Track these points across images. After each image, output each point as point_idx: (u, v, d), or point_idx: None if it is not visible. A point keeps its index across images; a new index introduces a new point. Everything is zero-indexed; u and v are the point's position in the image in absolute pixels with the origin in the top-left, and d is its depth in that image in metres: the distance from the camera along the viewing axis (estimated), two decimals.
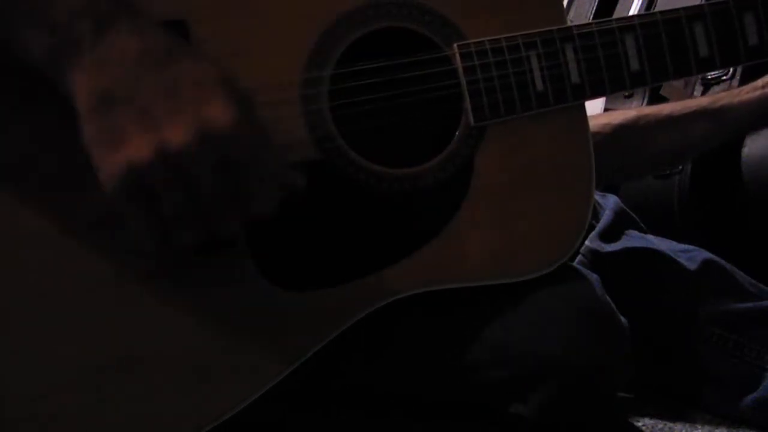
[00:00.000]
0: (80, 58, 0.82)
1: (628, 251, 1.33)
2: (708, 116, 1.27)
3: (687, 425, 1.20)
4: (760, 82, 1.28)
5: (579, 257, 1.31)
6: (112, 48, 0.82)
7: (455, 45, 1.03)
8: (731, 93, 1.26)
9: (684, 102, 1.29)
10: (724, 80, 1.45)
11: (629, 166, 1.40)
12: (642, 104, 1.63)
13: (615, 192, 1.67)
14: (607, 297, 1.08)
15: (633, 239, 1.36)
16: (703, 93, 1.64)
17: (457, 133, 1.04)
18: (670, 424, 1.20)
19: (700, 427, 1.20)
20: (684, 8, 1.07)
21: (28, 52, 0.85)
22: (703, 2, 1.09)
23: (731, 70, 1.58)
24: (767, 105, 1.23)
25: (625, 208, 1.42)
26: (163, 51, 0.83)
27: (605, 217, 1.38)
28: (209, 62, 0.85)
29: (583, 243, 1.32)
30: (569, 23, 1.08)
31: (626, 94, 1.36)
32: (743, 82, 1.49)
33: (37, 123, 0.92)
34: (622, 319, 1.08)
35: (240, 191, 0.84)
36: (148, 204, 0.82)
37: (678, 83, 1.55)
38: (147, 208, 0.83)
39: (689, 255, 1.32)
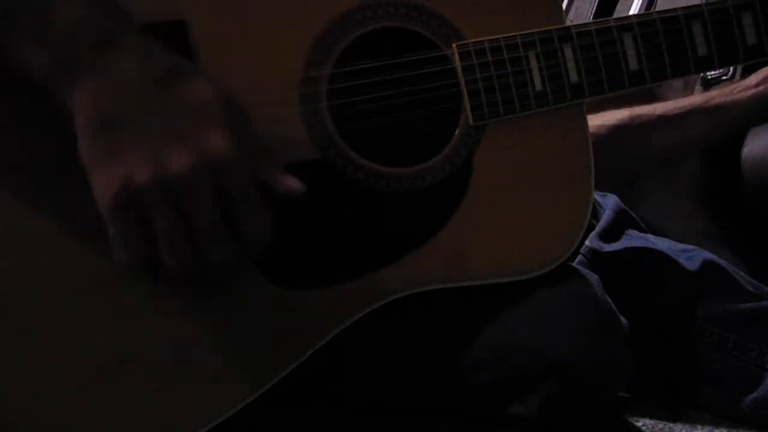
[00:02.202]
0: (80, 77, 0.82)
1: (628, 251, 1.33)
2: (702, 115, 1.27)
3: (687, 425, 1.20)
4: (752, 80, 1.28)
5: (579, 257, 1.31)
6: (112, 68, 0.82)
7: (454, 44, 1.03)
8: (724, 91, 1.26)
9: (677, 101, 1.29)
10: (724, 80, 1.44)
11: (626, 166, 1.40)
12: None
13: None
14: (607, 297, 1.09)
15: (633, 239, 1.36)
16: None
17: (456, 133, 1.04)
18: (670, 424, 1.19)
19: (700, 427, 1.20)
20: (682, 8, 1.07)
21: (27, 68, 0.85)
22: (702, 2, 1.09)
23: (731, 69, 1.58)
24: (761, 103, 1.23)
25: (625, 207, 1.41)
26: (164, 72, 0.83)
27: (605, 217, 1.38)
28: (209, 83, 0.85)
29: (583, 243, 1.32)
30: (569, 23, 1.08)
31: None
32: None
33: (40, 123, 0.92)
34: (622, 319, 1.08)
35: (233, 216, 0.84)
36: (139, 224, 0.83)
37: (678, 83, 1.55)
38: (134, 230, 0.83)
39: (689, 255, 1.32)
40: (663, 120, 1.29)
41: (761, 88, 1.23)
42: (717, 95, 1.26)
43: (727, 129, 1.28)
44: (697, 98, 1.28)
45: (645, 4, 1.89)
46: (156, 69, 0.83)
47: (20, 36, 0.84)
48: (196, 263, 0.85)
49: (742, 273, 1.30)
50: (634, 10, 1.89)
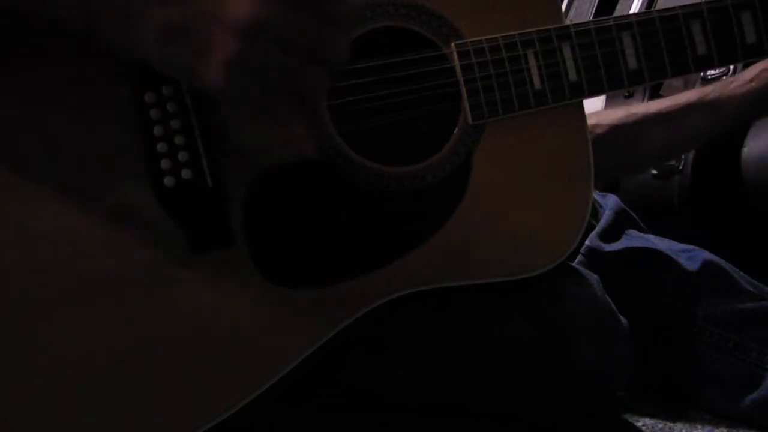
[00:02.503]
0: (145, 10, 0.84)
1: (628, 251, 1.33)
2: (699, 111, 1.27)
3: (687, 425, 1.20)
4: (748, 74, 1.28)
5: (579, 257, 1.31)
6: None
7: (453, 44, 1.03)
8: (721, 87, 1.26)
9: (673, 98, 1.29)
10: (725, 80, 1.44)
11: (625, 164, 1.40)
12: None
13: (615, 192, 1.67)
14: (607, 297, 1.09)
15: (633, 239, 1.36)
16: None
17: (455, 132, 1.04)
18: (670, 424, 1.19)
19: (700, 427, 1.20)
20: (681, 6, 1.07)
21: (70, 13, 0.87)
22: (701, 1, 1.09)
23: (731, 68, 1.58)
24: (756, 97, 1.23)
25: (625, 208, 1.42)
26: None
27: (605, 217, 1.38)
28: None
29: (583, 243, 1.32)
30: (569, 23, 1.08)
31: (626, 93, 1.36)
32: None
33: (45, 121, 0.92)
34: (622, 319, 1.08)
35: (325, 24, 0.85)
36: (263, 80, 0.85)
37: (677, 82, 1.55)
38: (262, 83, 0.85)
39: (689, 255, 1.32)
40: (660, 117, 1.29)
41: (756, 83, 1.22)
42: (713, 90, 1.26)
43: (724, 124, 1.28)
44: (694, 94, 1.28)
45: (645, 4, 1.90)
46: None
47: None
48: (311, 82, 0.87)
49: (742, 273, 1.30)
50: (634, 10, 1.90)
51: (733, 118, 1.27)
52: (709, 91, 1.26)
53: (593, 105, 1.16)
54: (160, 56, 0.86)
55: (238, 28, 0.82)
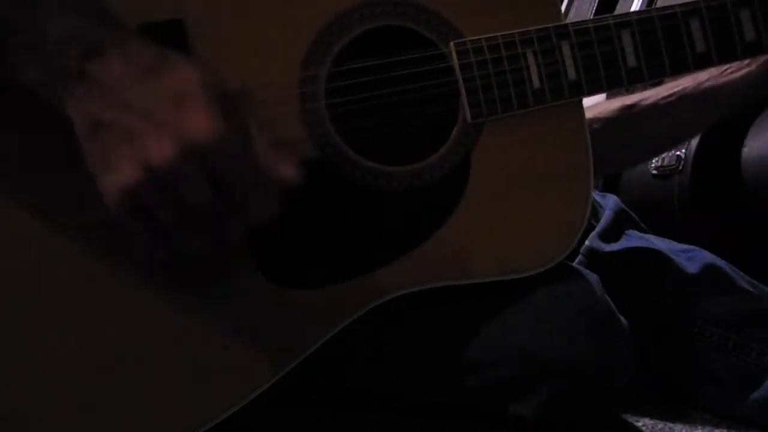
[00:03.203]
0: (71, 87, 0.83)
1: (628, 251, 1.33)
2: (693, 100, 1.26)
3: (687, 425, 1.20)
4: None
5: (579, 257, 1.31)
6: (96, 76, 0.83)
7: (452, 43, 1.03)
8: (715, 74, 1.25)
9: (667, 87, 1.28)
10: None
11: (624, 157, 1.40)
12: None
13: (615, 192, 1.67)
14: (607, 297, 1.08)
15: (633, 239, 1.36)
16: None
17: (454, 131, 1.04)
18: (670, 424, 1.19)
19: (700, 427, 1.20)
20: (680, 4, 1.07)
21: (22, 78, 0.86)
22: None
23: None
24: (751, 83, 1.22)
25: (625, 208, 1.42)
26: (145, 67, 0.83)
27: (605, 217, 1.38)
28: (196, 68, 0.85)
29: (583, 243, 1.32)
30: (568, 22, 1.08)
31: (626, 92, 1.36)
32: None
33: (39, 122, 0.92)
34: (622, 319, 1.08)
35: (233, 198, 0.84)
36: (148, 219, 0.84)
37: None
38: (147, 222, 0.84)
39: (689, 255, 1.32)
40: (655, 108, 1.29)
41: (752, 67, 1.22)
42: (708, 78, 1.25)
43: (721, 112, 1.28)
44: (688, 83, 1.27)
45: (645, 3, 1.90)
46: (138, 65, 0.83)
47: (15, 48, 0.85)
48: (207, 245, 0.87)
49: (742, 273, 1.29)
50: (634, 9, 1.90)
51: (729, 105, 1.26)
52: (704, 78, 1.25)
53: (592, 100, 1.16)
54: (81, 138, 0.84)
55: (146, 162, 0.80)
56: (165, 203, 0.82)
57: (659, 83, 1.29)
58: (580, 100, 1.08)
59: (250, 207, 0.85)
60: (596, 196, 1.42)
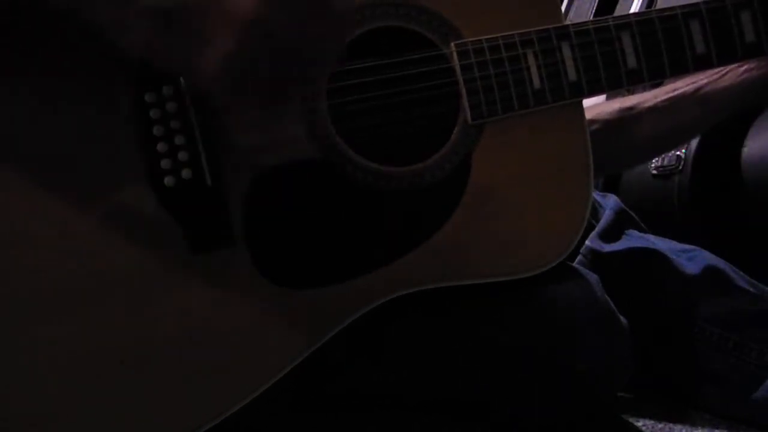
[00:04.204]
0: None
1: (628, 251, 1.32)
2: (691, 102, 1.26)
3: (687, 425, 1.19)
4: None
5: (579, 257, 1.31)
6: None
7: (452, 43, 1.03)
8: (713, 78, 1.25)
9: (668, 88, 1.28)
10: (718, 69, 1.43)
11: (624, 158, 1.40)
12: None
13: (615, 192, 1.67)
14: (607, 297, 1.08)
15: (633, 239, 1.36)
16: None
17: (454, 131, 1.04)
18: (670, 424, 1.19)
19: (700, 427, 1.19)
20: (680, 6, 1.07)
21: None
22: (700, 0, 1.09)
23: None
24: (754, 84, 1.22)
25: (625, 208, 1.41)
26: None
27: (605, 217, 1.38)
28: None
29: (583, 243, 1.32)
30: (569, 23, 1.08)
31: (626, 93, 1.36)
32: None
33: (44, 122, 0.92)
34: (622, 319, 1.08)
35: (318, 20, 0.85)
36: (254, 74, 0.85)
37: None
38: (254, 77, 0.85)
39: (689, 255, 1.32)
40: (654, 110, 1.29)
41: (753, 69, 1.22)
42: (708, 81, 1.25)
43: (718, 114, 1.28)
44: (687, 86, 1.27)
45: (645, 4, 1.90)
46: None
47: None
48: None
49: (742, 273, 1.29)
50: (634, 10, 1.90)
51: (730, 108, 1.26)
52: (704, 82, 1.25)
53: (592, 101, 1.16)
54: (149, 47, 0.85)
55: (238, 22, 0.82)
56: (267, 42, 0.83)
57: (659, 84, 1.28)
58: (581, 101, 1.08)
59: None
60: (596, 196, 1.42)
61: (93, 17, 0.86)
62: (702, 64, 1.09)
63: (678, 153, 1.71)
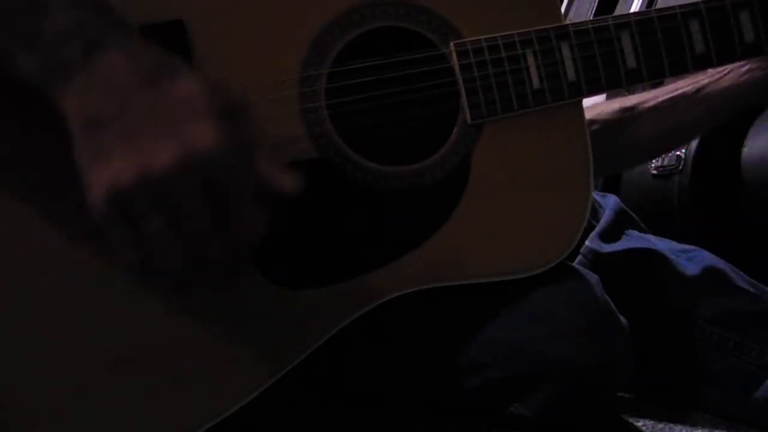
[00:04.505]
0: (69, 81, 0.81)
1: (628, 251, 1.32)
2: (694, 103, 1.26)
3: (687, 425, 1.19)
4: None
5: (579, 257, 1.31)
6: (100, 72, 0.81)
7: (452, 43, 1.03)
8: (714, 77, 1.25)
9: (667, 88, 1.28)
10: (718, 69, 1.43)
11: (624, 158, 1.40)
12: None
13: (615, 192, 1.66)
14: (607, 297, 1.08)
15: (633, 239, 1.36)
16: None
17: (454, 131, 1.04)
18: (670, 425, 1.19)
19: (700, 427, 1.19)
20: (680, 5, 1.07)
21: (19, 71, 0.84)
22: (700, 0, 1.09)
23: None
24: (755, 84, 1.22)
25: (625, 208, 1.41)
26: (151, 71, 0.81)
27: (605, 217, 1.38)
28: (199, 77, 0.83)
29: (583, 243, 1.32)
30: (568, 23, 1.08)
31: (625, 93, 1.36)
32: None
33: (39, 120, 0.92)
34: (622, 319, 1.08)
35: (227, 211, 0.81)
36: (131, 226, 0.80)
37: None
38: (129, 229, 0.80)
39: (690, 255, 1.32)
40: (654, 110, 1.29)
41: (754, 70, 1.22)
42: (708, 83, 1.25)
43: (719, 114, 1.28)
44: (687, 86, 1.27)
45: (645, 4, 1.90)
46: (144, 67, 0.81)
47: (12, 40, 0.83)
48: (192, 262, 0.82)
49: (742, 273, 1.29)
50: (634, 10, 1.89)
51: (730, 108, 1.26)
52: (705, 82, 1.25)
53: (592, 101, 1.16)
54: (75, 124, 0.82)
55: (150, 172, 0.78)
56: (154, 210, 0.79)
57: (659, 84, 1.28)
58: (580, 101, 1.08)
59: (242, 223, 0.82)
60: (596, 196, 1.42)
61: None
62: (701, 63, 1.09)
63: (678, 153, 1.71)
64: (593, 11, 2.13)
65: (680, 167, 1.69)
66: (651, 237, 1.38)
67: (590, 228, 1.35)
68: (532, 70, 1.04)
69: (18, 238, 0.92)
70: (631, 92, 1.31)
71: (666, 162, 1.72)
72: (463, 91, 1.03)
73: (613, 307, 1.08)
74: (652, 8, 1.09)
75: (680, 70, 1.09)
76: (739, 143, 1.64)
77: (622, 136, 1.31)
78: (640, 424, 1.19)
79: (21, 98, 0.89)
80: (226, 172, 0.80)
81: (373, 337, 1.05)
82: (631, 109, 1.30)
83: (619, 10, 2.03)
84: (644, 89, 1.31)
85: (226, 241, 0.82)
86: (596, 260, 1.30)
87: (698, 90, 1.26)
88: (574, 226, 1.06)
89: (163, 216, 0.79)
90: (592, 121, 1.27)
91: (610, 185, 1.77)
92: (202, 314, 0.96)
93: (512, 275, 1.04)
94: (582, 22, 1.06)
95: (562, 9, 2.23)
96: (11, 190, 0.92)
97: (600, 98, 1.30)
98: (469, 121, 1.04)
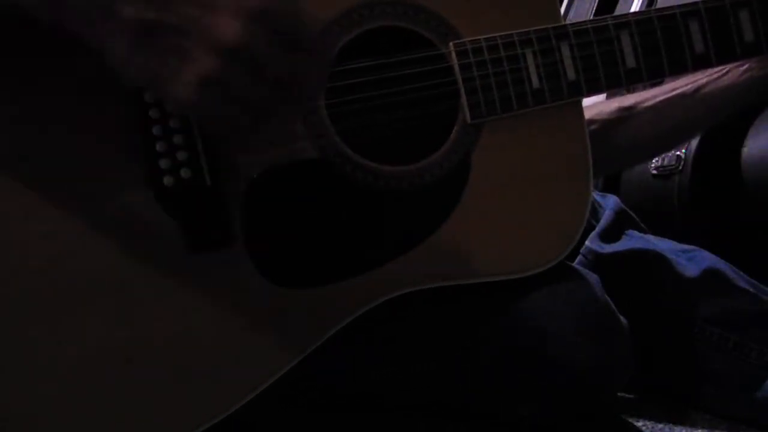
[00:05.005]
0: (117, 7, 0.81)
1: (628, 252, 1.32)
2: (693, 102, 1.26)
3: (687, 425, 1.19)
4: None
5: (579, 257, 1.31)
6: None
7: (451, 43, 1.03)
8: (714, 77, 1.25)
9: (667, 88, 1.28)
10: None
11: (623, 158, 1.40)
12: None
13: (615, 192, 1.67)
14: (607, 297, 1.08)
15: (633, 239, 1.36)
16: None
17: (453, 131, 1.04)
18: (670, 425, 1.19)
19: (700, 427, 1.19)
20: (679, 5, 1.07)
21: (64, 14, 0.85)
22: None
23: None
24: (754, 83, 1.22)
25: (625, 208, 1.41)
26: None
27: (605, 217, 1.38)
28: None
29: (583, 243, 1.32)
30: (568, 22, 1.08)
31: (625, 92, 1.36)
32: None
33: (41, 119, 0.93)
34: (622, 319, 1.08)
35: (301, 52, 0.84)
36: (233, 99, 0.83)
37: None
38: (228, 103, 0.83)
39: (690, 255, 1.32)
40: (654, 109, 1.29)
41: (753, 69, 1.22)
42: (706, 82, 1.25)
43: (719, 114, 1.28)
44: (686, 84, 1.27)
45: (645, 4, 1.90)
46: None
47: None
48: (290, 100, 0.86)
49: (742, 273, 1.29)
50: (634, 10, 1.89)
51: (730, 107, 1.26)
52: (704, 81, 1.25)
53: (591, 100, 1.17)
54: (126, 60, 0.83)
55: (221, 46, 0.80)
56: (245, 76, 0.82)
57: (659, 84, 1.28)
58: (579, 101, 1.08)
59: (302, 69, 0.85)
60: (596, 196, 1.42)
61: (75, 30, 0.85)
62: (701, 63, 1.09)
63: (678, 153, 1.71)
64: (593, 11, 2.13)
65: (680, 167, 1.69)
66: (651, 237, 1.38)
67: (590, 228, 1.35)
68: (532, 69, 1.05)
69: (18, 238, 0.92)
70: (630, 92, 1.31)
71: (666, 162, 1.72)
72: (462, 91, 1.03)
73: (613, 307, 1.08)
74: (652, 8, 1.09)
75: (680, 69, 1.09)
76: (739, 143, 1.64)
77: (621, 135, 1.31)
78: (640, 424, 1.19)
79: (20, 92, 0.90)
80: (287, 14, 0.83)
81: (373, 336, 1.05)
82: (631, 108, 1.30)
83: (619, 10, 2.03)
84: (644, 89, 1.31)
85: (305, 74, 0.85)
86: (596, 260, 1.30)
87: (697, 89, 1.26)
88: (574, 226, 1.06)
89: (252, 76, 0.82)
90: (592, 121, 1.27)
91: (610, 185, 1.77)
92: (202, 314, 0.96)
93: (512, 275, 1.04)
94: (581, 22, 1.06)
95: (562, 9, 2.24)
96: (10, 189, 0.92)
97: (599, 98, 1.31)
98: (468, 120, 1.04)
